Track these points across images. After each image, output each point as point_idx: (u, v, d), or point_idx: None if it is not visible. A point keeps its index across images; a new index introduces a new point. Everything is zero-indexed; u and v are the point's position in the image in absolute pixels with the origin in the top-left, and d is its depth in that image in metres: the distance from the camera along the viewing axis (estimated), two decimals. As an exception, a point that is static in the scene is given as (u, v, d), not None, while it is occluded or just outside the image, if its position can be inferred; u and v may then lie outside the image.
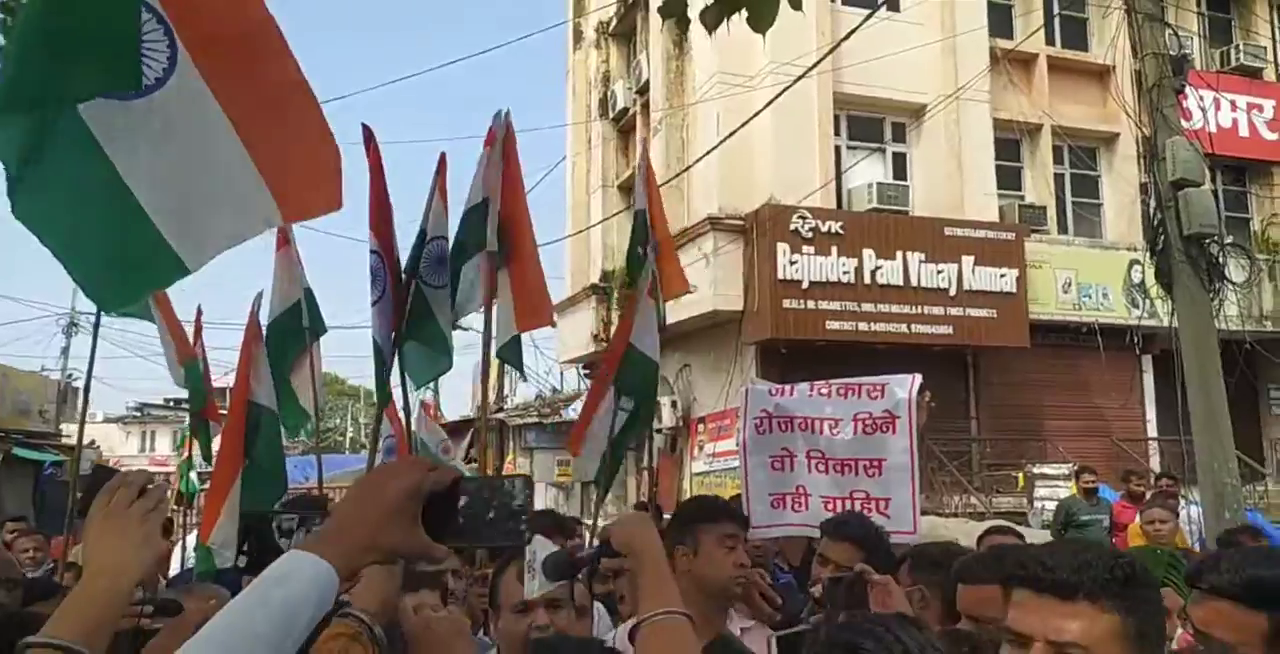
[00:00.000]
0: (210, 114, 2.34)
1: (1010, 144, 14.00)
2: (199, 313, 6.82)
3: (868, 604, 2.01)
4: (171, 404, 49.77)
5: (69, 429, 15.67)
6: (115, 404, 45.89)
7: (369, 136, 4.13)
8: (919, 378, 3.80)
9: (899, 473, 3.63)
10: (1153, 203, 7.36)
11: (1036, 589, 1.34)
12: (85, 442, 5.22)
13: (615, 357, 4.63)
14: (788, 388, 4.08)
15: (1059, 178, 14.34)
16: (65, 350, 24.40)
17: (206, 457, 6.80)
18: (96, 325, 3.84)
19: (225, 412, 4.97)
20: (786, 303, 11.80)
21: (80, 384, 8.82)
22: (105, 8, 2.25)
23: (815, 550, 3.26)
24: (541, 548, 1.67)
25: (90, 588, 1.27)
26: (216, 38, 2.36)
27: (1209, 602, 1.64)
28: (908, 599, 2.26)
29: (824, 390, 3.91)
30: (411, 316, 4.20)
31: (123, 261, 2.36)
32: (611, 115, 16.72)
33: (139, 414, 48.81)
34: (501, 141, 4.27)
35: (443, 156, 4.47)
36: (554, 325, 5.18)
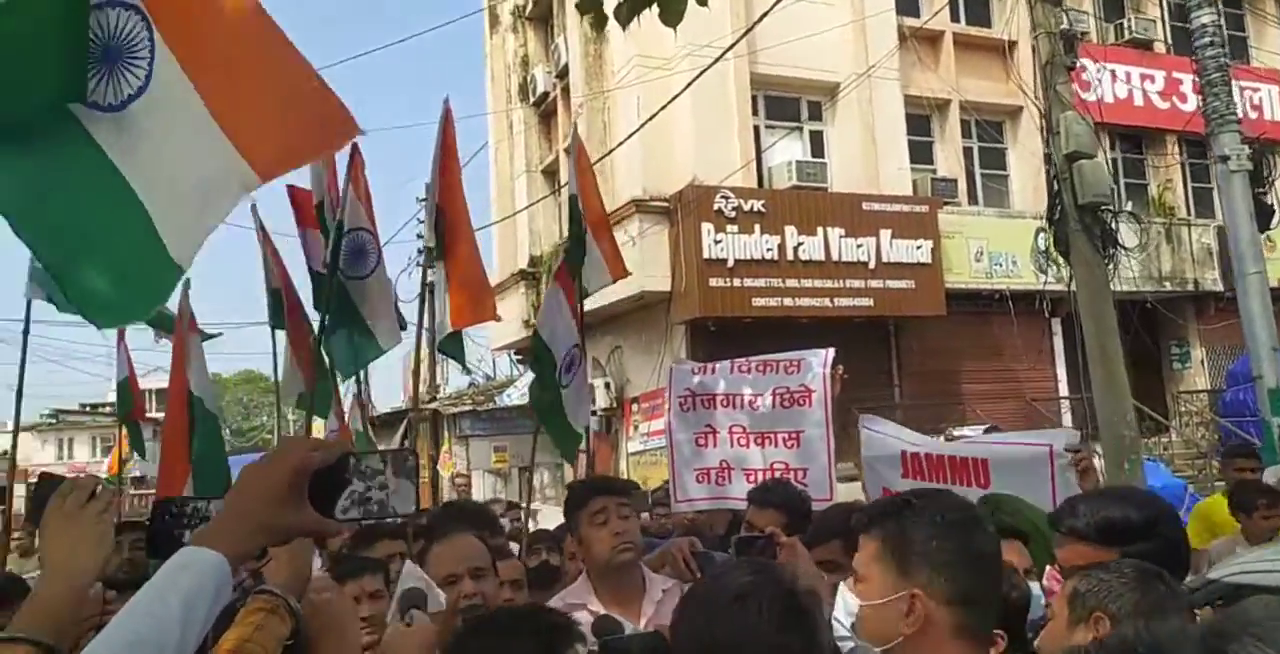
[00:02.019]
0: (191, 101, 2.14)
1: (921, 119, 14.41)
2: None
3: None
4: (88, 409, 48.06)
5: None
6: (27, 411, 43.88)
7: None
8: (832, 352, 4.01)
9: (816, 443, 3.84)
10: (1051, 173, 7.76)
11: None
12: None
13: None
14: (710, 366, 4.27)
15: (968, 151, 14.83)
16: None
17: (144, 455, 6.72)
18: (26, 332, 3.79)
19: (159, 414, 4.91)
20: (713, 281, 12.02)
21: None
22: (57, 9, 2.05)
23: (739, 521, 3.46)
24: (408, 577, 1.85)
25: (52, 587, 1.36)
26: (190, 13, 2.16)
27: (1069, 543, 1.84)
28: None
29: (744, 368, 4.10)
30: (335, 309, 4.25)
31: (136, 274, 2.16)
32: (532, 100, 16.65)
33: (54, 421, 47.01)
34: (441, 131, 4.29)
35: (355, 148, 4.48)
36: (498, 319, 5.13)
